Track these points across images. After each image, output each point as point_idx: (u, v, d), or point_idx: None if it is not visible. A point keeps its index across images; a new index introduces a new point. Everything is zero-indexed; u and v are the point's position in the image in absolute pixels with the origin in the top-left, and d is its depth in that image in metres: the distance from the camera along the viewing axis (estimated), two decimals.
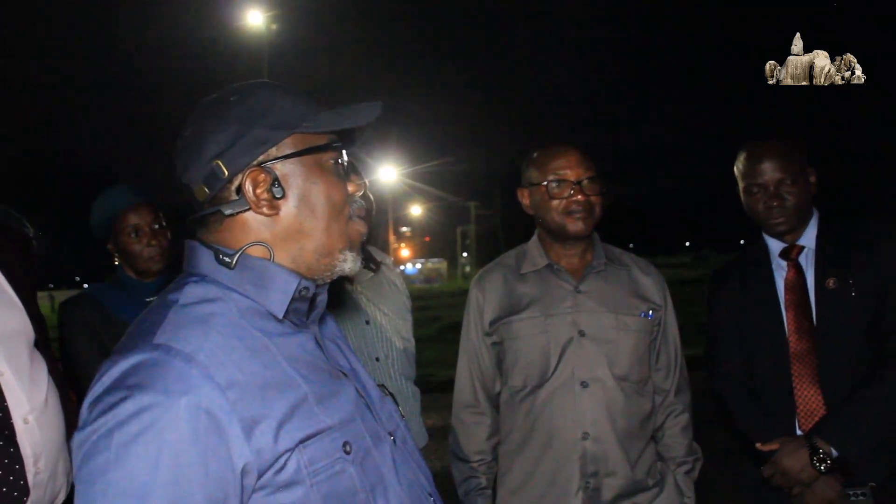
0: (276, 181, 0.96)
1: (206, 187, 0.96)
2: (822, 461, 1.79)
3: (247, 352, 0.89)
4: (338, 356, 1.08)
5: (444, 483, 2.09)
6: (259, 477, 0.85)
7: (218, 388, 0.83)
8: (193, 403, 0.81)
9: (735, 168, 2.09)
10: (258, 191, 0.96)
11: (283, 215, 0.98)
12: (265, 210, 0.96)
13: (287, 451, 0.87)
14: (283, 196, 0.97)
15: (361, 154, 1.15)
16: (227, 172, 0.95)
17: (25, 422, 1.40)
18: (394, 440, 1.04)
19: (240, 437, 0.83)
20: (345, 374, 1.04)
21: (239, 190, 0.96)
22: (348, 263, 1.03)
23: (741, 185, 2.06)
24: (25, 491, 1.38)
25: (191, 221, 1.02)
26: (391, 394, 1.14)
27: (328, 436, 0.92)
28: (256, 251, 0.97)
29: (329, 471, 0.90)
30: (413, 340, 2.48)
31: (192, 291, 0.94)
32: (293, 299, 0.97)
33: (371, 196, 2.19)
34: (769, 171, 1.98)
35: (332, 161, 1.02)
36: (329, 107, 1.04)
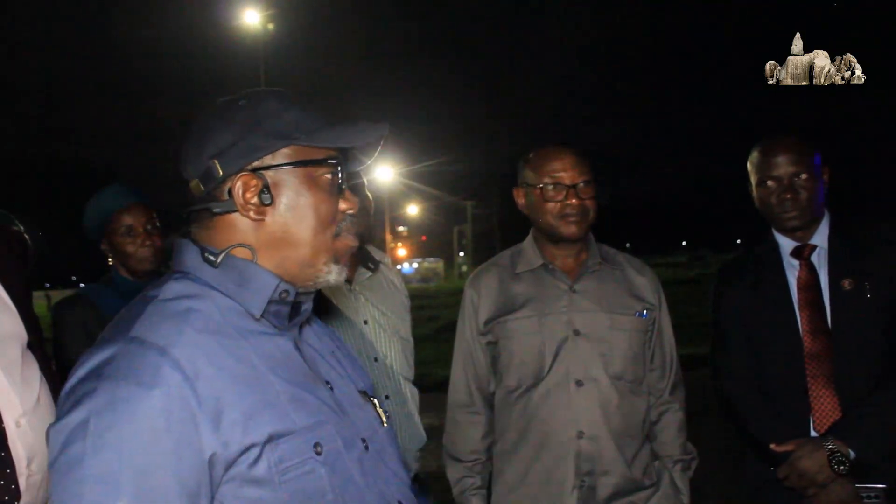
0: (265, 188, 0.98)
1: (202, 184, 0.99)
2: (840, 463, 1.77)
3: (220, 348, 0.92)
4: (318, 362, 1.08)
5: (439, 483, 2.08)
6: (227, 468, 0.87)
7: (188, 381, 0.86)
8: (165, 394, 0.84)
9: (748, 163, 2.07)
10: (247, 195, 0.98)
11: (268, 222, 0.99)
12: (252, 214, 0.99)
13: (255, 444, 0.88)
14: (272, 203, 0.99)
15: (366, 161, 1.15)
16: (221, 173, 0.98)
17: (17, 424, 1.39)
18: (366, 446, 1.04)
19: (208, 429, 0.85)
20: (323, 380, 1.05)
21: (231, 191, 0.98)
22: (332, 276, 1.04)
23: (754, 178, 2.05)
24: (17, 494, 1.37)
25: (185, 215, 1.05)
26: (373, 400, 1.14)
27: (300, 436, 0.93)
28: (241, 252, 1.00)
29: (298, 470, 0.92)
30: (412, 340, 2.47)
31: (171, 288, 0.97)
32: (273, 301, 0.99)
33: (370, 195, 2.18)
34: (784, 164, 1.97)
35: (328, 175, 1.03)
36: (338, 120, 1.05)
